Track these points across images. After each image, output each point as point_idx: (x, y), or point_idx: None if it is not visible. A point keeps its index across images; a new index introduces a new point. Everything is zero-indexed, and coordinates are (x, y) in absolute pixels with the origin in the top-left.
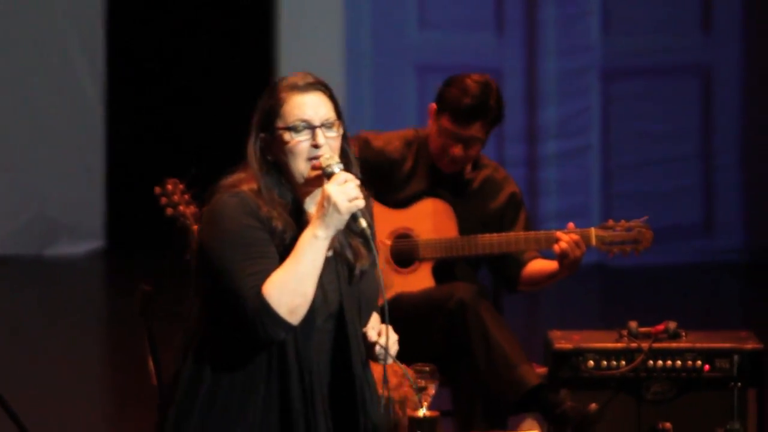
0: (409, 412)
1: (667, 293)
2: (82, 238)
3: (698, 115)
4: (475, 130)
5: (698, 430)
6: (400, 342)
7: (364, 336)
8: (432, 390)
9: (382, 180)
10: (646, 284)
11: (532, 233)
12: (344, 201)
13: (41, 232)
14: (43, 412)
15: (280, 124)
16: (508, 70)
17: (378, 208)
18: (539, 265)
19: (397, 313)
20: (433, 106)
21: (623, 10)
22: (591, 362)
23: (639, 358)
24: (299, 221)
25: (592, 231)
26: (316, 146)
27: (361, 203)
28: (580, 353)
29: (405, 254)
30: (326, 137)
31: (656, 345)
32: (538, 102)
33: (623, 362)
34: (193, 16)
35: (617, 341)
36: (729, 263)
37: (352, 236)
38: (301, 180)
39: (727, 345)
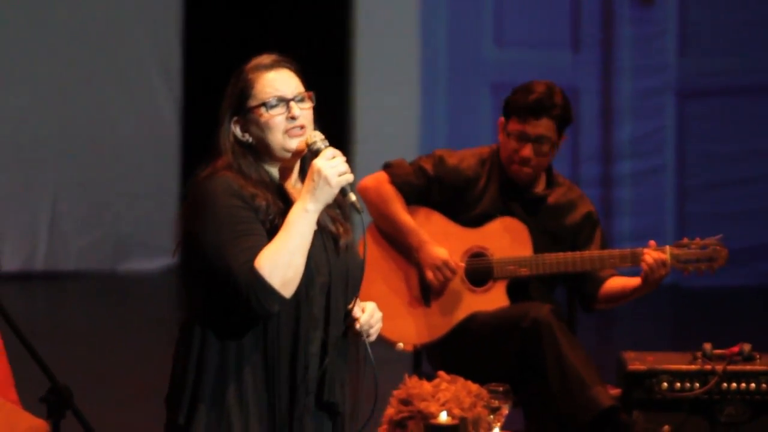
0: None
1: (741, 315)
2: (155, 254)
3: None
4: (542, 127)
5: None
6: (474, 361)
7: (348, 312)
8: (505, 410)
9: (457, 197)
10: (720, 306)
11: (607, 252)
12: (334, 175)
13: (115, 247)
14: (115, 426)
15: (252, 103)
16: (584, 88)
17: (452, 228)
18: (619, 283)
19: (471, 333)
20: (501, 119)
21: (699, 30)
22: (665, 384)
23: (713, 381)
24: (281, 200)
25: (668, 249)
26: (292, 118)
27: (350, 177)
28: (654, 375)
29: (479, 273)
30: (301, 109)
31: (730, 367)
32: (613, 121)
33: (697, 384)
34: (270, 40)
35: (691, 363)
36: None
37: (332, 210)
38: (281, 154)
39: None
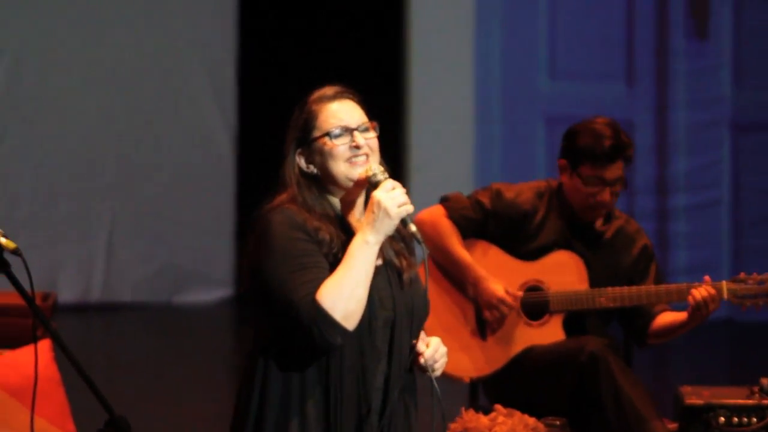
0: None
1: None
2: (212, 286)
3: None
4: (617, 169)
5: None
6: (531, 395)
7: (413, 347)
8: None
9: (514, 231)
10: None
11: (663, 287)
12: (394, 206)
13: (171, 279)
14: None
15: (316, 134)
16: (639, 121)
17: (508, 261)
18: (669, 318)
19: (527, 366)
20: (563, 161)
21: (755, 62)
22: (722, 418)
23: None
24: (344, 233)
25: (724, 284)
26: (356, 147)
27: (410, 208)
28: (712, 409)
29: (536, 307)
30: (365, 138)
31: None
32: (668, 154)
33: (755, 419)
34: (324, 67)
35: (749, 397)
36: None
37: (396, 244)
38: (345, 183)
39: None
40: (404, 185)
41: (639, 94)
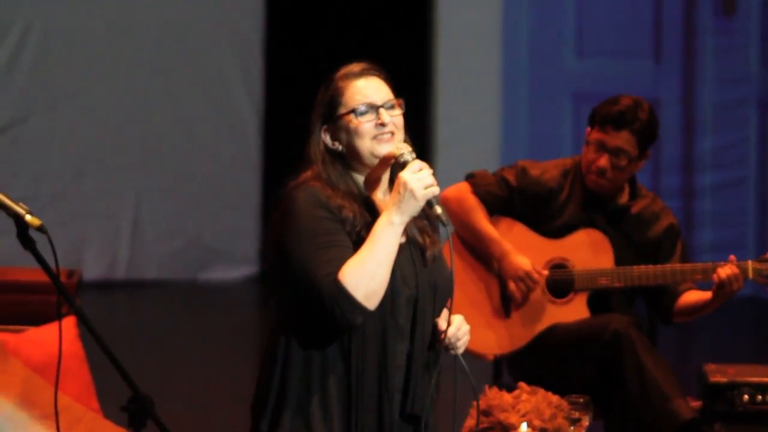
0: None
1: None
2: (237, 264)
3: None
4: (621, 139)
5: None
6: (555, 372)
7: (435, 325)
8: (586, 421)
9: (539, 209)
10: None
11: (689, 265)
12: (420, 188)
13: (196, 257)
14: None
15: (342, 111)
16: (666, 99)
17: (534, 238)
18: (694, 297)
19: (551, 344)
20: (587, 129)
21: None
22: (746, 396)
23: None
24: (368, 211)
25: (750, 264)
26: (382, 124)
27: (436, 190)
28: (736, 387)
29: (561, 285)
30: (391, 116)
31: None
32: (695, 132)
33: None
34: (351, 48)
35: None
36: None
37: (420, 221)
38: (370, 160)
39: None
40: (431, 162)
41: (666, 71)
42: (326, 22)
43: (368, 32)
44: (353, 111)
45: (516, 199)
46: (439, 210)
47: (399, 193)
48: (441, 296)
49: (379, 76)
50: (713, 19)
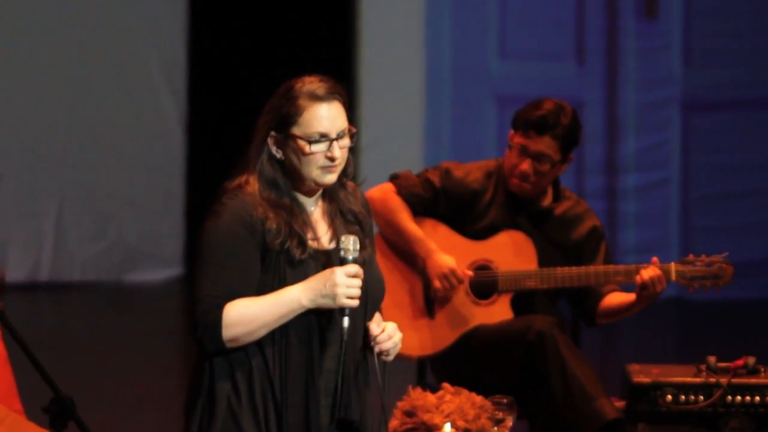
0: None
1: (746, 328)
2: (161, 265)
3: None
4: (544, 144)
5: None
6: (479, 373)
7: (367, 330)
8: (510, 422)
9: (463, 210)
10: (724, 318)
11: (612, 267)
12: (343, 295)
13: (120, 258)
14: None
15: (296, 131)
16: (589, 101)
17: (458, 240)
18: (617, 298)
19: (475, 345)
20: (511, 131)
21: (704, 42)
22: (669, 396)
23: (717, 393)
24: (298, 218)
25: (672, 266)
26: (331, 159)
27: (355, 303)
28: (659, 387)
29: (484, 286)
30: (340, 148)
31: (735, 380)
32: (618, 134)
33: (701, 397)
34: (274, 47)
35: (696, 376)
36: None
37: (351, 227)
38: (310, 185)
39: None
40: (354, 164)
41: (589, 73)
42: (251, 21)
43: (292, 33)
44: (308, 138)
45: (440, 200)
46: (345, 323)
47: (324, 285)
48: (372, 301)
49: (340, 100)
50: (635, 21)
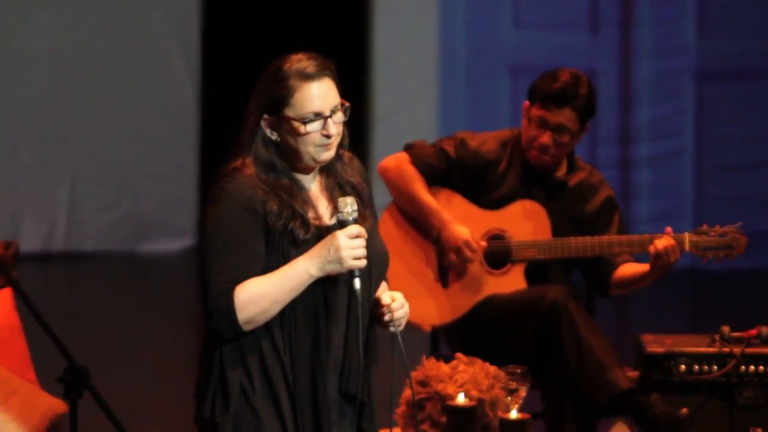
0: (500, 413)
1: (760, 298)
2: (175, 236)
3: None
4: (563, 116)
5: None
6: (492, 343)
7: (376, 301)
8: (523, 392)
9: (477, 180)
10: (738, 288)
11: (626, 237)
12: (350, 257)
13: (134, 228)
14: (132, 406)
15: (290, 113)
16: (602, 71)
17: (472, 209)
18: (631, 269)
19: (489, 315)
20: (526, 103)
21: (719, 12)
22: (683, 366)
23: (731, 363)
24: (298, 197)
25: (686, 236)
26: (327, 136)
27: (363, 263)
28: (672, 357)
29: (498, 256)
30: (335, 123)
31: (749, 350)
32: (631, 104)
33: (715, 367)
34: (288, 17)
35: (709, 346)
36: None
37: (353, 198)
38: (308, 162)
39: None
40: (369, 134)
41: (603, 43)
42: None
43: (306, 4)
44: (302, 119)
45: (454, 170)
46: (357, 285)
47: (328, 251)
48: (377, 271)
49: (330, 75)
50: None
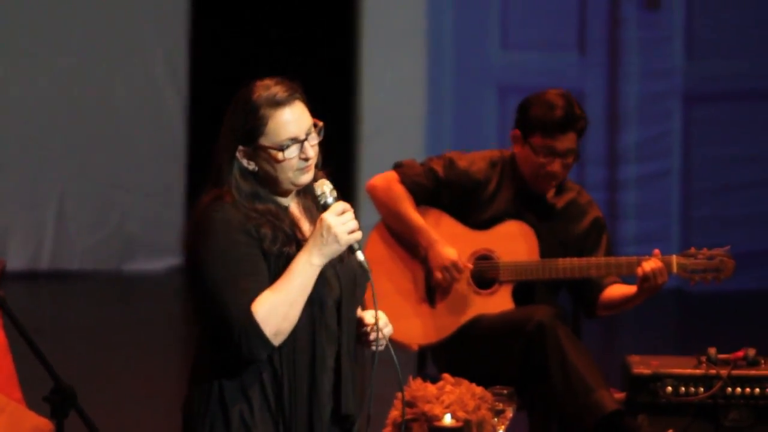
0: None
1: (746, 320)
2: (161, 255)
3: None
4: (569, 140)
5: None
6: (479, 363)
7: (359, 320)
8: (509, 413)
9: (466, 200)
10: (725, 310)
11: (614, 259)
12: (344, 233)
13: (120, 247)
14: (119, 426)
15: (265, 142)
16: (590, 91)
17: (460, 229)
18: (618, 290)
19: (476, 335)
20: (516, 132)
21: (706, 34)
22: (669, 388)
23: (717, 385)
24: (285, 221)
25: (674, 258)
26: (305, 159)
27: (359, 235)
28: (659, 379)
29: (485, 276)
30: (311, 146)
31: (735, 372)
32: (619, 125)
33: (702, 389)
34: (276, 34)
35: (696, 367)
36: None
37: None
38: (288, 187)
39: None
40: (357, 153)
41: (591, 64)
42: (252, 12)
43: (293, 24)
44: (279, 146)
45: (444, 190)
46: (361, 257)
47: (322, 235)
48: (361, 289)
49: (300, 98)
50: (637, 12)
